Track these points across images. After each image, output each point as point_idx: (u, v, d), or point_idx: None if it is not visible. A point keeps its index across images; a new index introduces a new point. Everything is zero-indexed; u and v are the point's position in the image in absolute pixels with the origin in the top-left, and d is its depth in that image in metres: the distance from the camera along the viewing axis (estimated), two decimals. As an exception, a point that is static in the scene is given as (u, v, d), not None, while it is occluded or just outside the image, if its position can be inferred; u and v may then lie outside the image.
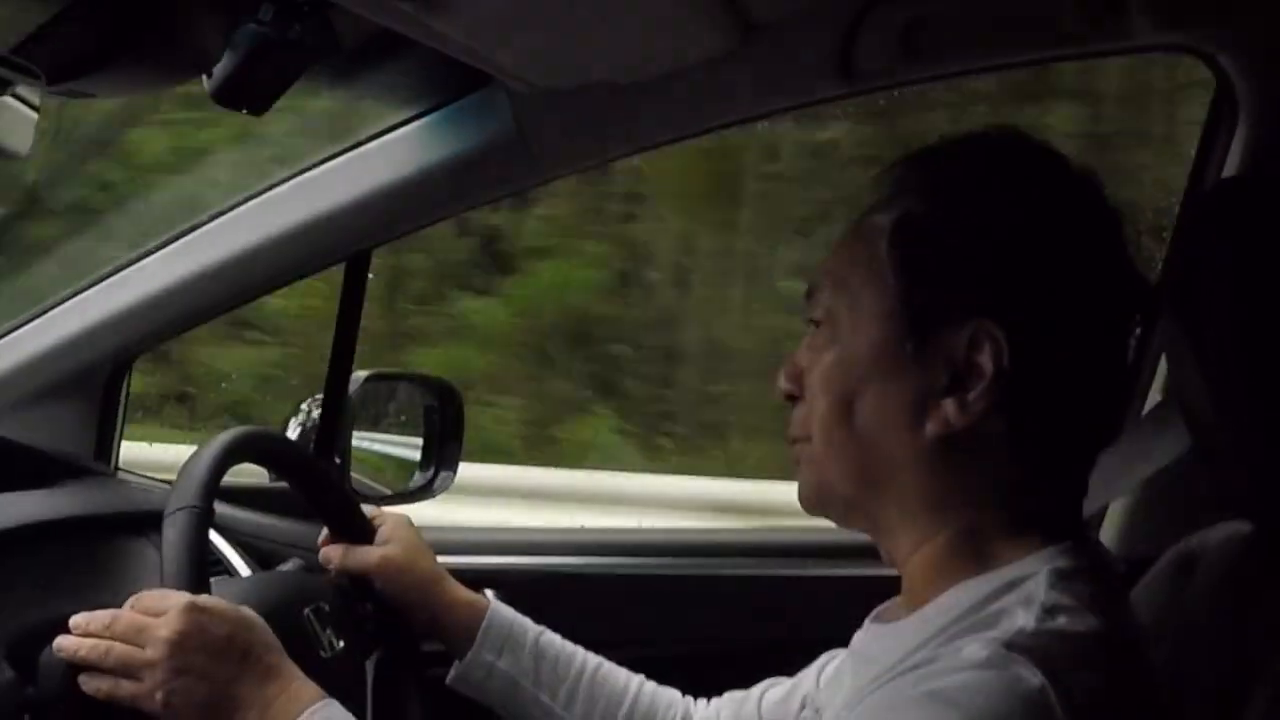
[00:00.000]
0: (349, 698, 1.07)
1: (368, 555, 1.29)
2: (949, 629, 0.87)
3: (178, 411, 3.90)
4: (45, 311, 1.53)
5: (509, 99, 1.36)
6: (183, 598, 1.02)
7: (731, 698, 1.27)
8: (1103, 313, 0.92)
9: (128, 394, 1.62)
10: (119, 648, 1.00)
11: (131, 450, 1.66)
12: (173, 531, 1.07)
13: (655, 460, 4.05)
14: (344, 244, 1.50)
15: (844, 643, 1.05)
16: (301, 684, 1.03)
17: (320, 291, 2.02)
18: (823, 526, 1.05)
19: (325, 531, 1.33)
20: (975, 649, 0.82)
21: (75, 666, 1.01)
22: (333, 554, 1.31)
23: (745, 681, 1.26)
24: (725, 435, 4.27)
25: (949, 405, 0.89)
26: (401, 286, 4.11)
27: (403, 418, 1.69)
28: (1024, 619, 0.84)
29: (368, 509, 1.36)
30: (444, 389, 1.66)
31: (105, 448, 1.60)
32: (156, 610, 1.02)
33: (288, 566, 1.40)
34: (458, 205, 1.53)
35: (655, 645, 1.56)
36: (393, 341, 4.02)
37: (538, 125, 1.37)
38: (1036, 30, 1.31)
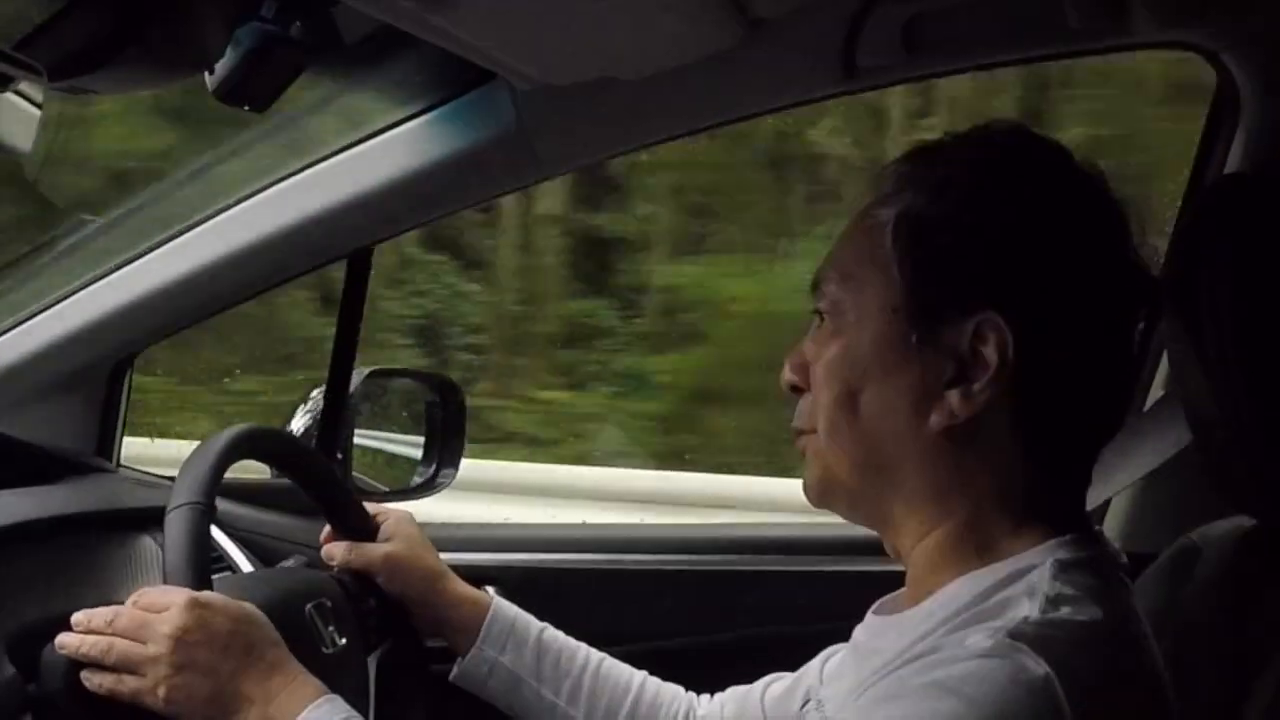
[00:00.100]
0: (351, 694, 1.07)
1: (371, 552, 1.30)
2: (952, 620, 0.87)
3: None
4: (47, 308, 1.52)
5: (512, 95, 1.35)
6: (185, 594, 1.02)
7: (734, 693, 1.27)
8: (1107, 306, 0.92)
9: (129, 390, 1.62)
10: (121, 644, 1.00)
11: (133, 447, 1.66)
12: (175, 528, 1.06)
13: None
14: (346, 240, 1.50)
15: (846, 638, 1.05)
16: (304, 679, 1.03)
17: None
18: (826, 521, 1.05)
19: (328, 528, 1.33)
20: (979, 639, 0.82)
21: (77, 663, 1.01)
22: (335, 550, 1.31)
23: (748, 677, 1.26)
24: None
25: (953, 397, 0.89)
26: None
27: (404, 414, 1.69)
28: (1028, 609, 0.84)
29: (370, 506, 1.35)
30: (445, 385, 1.66)
31: (107, 444, 1.60)
32: (159, 606, 1.02)
33: (290, 563, 1.40)
34: (460, 202, 1.53)
35: (658, 641, 1.56)
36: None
37: (540, 121, 1.36)
38: (1039, 27, 1.31)
